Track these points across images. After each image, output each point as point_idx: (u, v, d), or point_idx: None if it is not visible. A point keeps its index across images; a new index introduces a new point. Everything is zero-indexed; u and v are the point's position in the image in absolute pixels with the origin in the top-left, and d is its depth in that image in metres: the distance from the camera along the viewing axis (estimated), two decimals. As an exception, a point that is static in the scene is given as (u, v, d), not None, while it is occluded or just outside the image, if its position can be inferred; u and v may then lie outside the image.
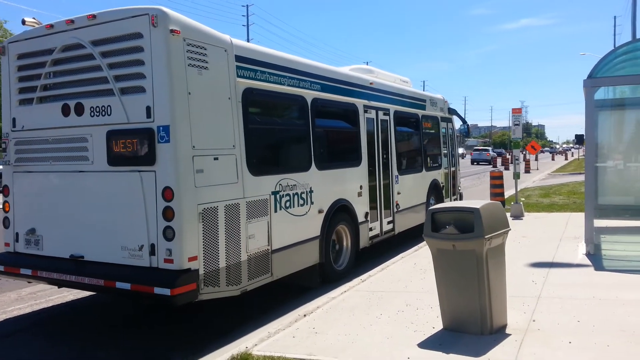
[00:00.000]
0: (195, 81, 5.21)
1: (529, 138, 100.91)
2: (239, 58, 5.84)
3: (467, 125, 14.72)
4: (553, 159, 64.84)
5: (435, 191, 11.35)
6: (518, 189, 13.70)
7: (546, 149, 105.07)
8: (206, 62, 5.37)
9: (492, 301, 4.70)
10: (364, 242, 8.28)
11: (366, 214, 8.38)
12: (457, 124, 13.54)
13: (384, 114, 9.24)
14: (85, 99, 5.49)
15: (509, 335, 4.71)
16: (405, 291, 6.42)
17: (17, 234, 6.09)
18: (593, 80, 7.83)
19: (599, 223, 8.78)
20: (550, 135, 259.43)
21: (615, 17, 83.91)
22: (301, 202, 6.78)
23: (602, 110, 9.81)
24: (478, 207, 4.61)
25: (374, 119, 8.84)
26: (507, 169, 33.18)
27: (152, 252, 5.08)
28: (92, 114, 5.42)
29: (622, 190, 10.13)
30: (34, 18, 6.10)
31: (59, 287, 6.70)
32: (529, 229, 10.60)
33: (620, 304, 5.46)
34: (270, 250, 6.13)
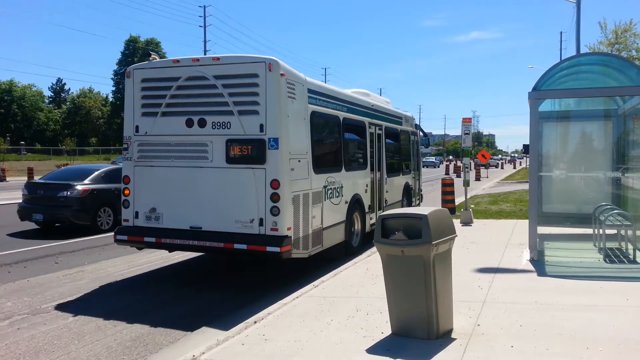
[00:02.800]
0: (290, 107, 7.34)
1: (479, 147, 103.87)
2: (308, 90, 8.04)
3: (428, 138, 17.13)
4: (502, 168, 67.05)
5: (407, 192, 13.56)
6: (468, 196, 14.09)
7: (506, 157, 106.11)
8: (295, 94, 7.51)
9: (438, 306, 4.80)
10: (368, 227, 10.34)
11: (369, 206, 10.55)
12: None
13: (379, 129, 11.44)
14: (207, 115, 7.38)
15: (455, 339, 4.82)
16: (357, 296, 6.46)
17: (136, 212, 7.79)
18: (537, 93, 8.15)
19: (542, 230, 9.12)
20: (500, 144, 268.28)
21: (561, 32, 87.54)
22: (337, 194, 8.93)
23: (548, 122, 10.24)
24: (426, 213, 4.70)
25: (373, 132, 11.05)
26: (458, 176, 34.06)
27: (261, 223, 7.11)
28: (214, 127, 7.35)
29: (565, 199, 10.58)
30: (151, 53, 8.09)
31: (170, 252, 8.64)
32: (478, 235, 10.90)
33: (560, 309, 5.68)
34: (322, 228, 8.24)
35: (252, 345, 4.91)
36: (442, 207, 13.90)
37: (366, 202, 10.31)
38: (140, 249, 8.49)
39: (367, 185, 10.44)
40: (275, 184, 7.06)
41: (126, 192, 7.89)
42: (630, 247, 8.48)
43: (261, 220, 7.13)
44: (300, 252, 7.50)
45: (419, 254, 4.69)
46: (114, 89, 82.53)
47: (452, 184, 15.53)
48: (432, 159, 71.08)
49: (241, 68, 7.26)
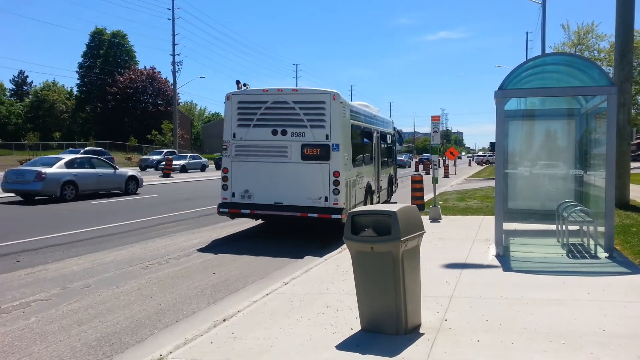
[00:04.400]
0: (343, 123, 10.77)
1: (448, 144, 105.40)
2: (350, 110, 11.57)
3: (402, 138, 21.55)
4: (470, 165, 68.24)
5: (390, 180, 17.36)
6: (437, 193, 14.27)
7: (478, 154, 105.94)
8: (345, 113, 10.95)
9: (407, 302, 4.85)
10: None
11: (373, 190, 14.02)
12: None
13: (377, 133, 14.98)
14: (288, 127, 10.67)
15: (423, 334, 4.88)
16: (327, 293, 6.48)
17: (233, 193, 11.08)
18: (503, 92, 8.30)
19: (508, 226, 9.32)
20: (468, 142, 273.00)
21: (527, 33, 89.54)
22: (361, 182, 12.41)
23: (514, 120, 10.43)
24: (395, 210, 4.73)
25: (375, 136, 14.71)
26: (428, 173, 34.49)
27: (326, 200, 10.48)
28: (292, 135, 10.64)
29: (529, 196, 10.82)
30: (240, 82, 11.41)
31: (255, 220, 12.48)
32: (445, 231, 11.06)
33: (524, 303, 5.82)
34: (355, 204, 11.63)
35: (221, 343, 4.86)
36: (411, 203, 14.08)
37: (372, 187, 13.88)
38: (233, 218, 12.02)
39: (372, 175, 13.99)
40: (336, 174, 10.47)
41: (225, 179, 11.16)
42: (592, 242, 8.74)
43: (326, 197, 10.53)
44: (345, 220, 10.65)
45: (388, 250, 4.72)
46: (78, 82, 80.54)
47: (421, 181, 15.72)
48: (430, 156, 70.35)
49: (313, 97, 10.63)
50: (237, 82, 11.39)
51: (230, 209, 11.05)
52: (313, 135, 10.50)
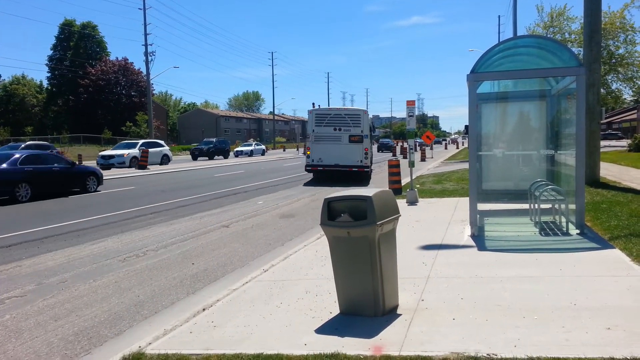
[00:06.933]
0: (368, 123, 21.81)
1: (424, 128, 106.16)
2: (369, 116, 22.89)
3: (375, 126, 32.86)
4: (446, 148, 68.93)
5: (372, 156, 24.18)
6: (414, 177, 14.40)
7: (450, 137, 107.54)
8: (368, 118, 22.03)
9: (384, 284, 4.92)
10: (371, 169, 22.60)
11: (371, 158, 22.21)
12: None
13: (370, 123, 22.84)
14: (342, 127, 21.18)
15: (400, 315, 4.96)
16: (306, 279, 6.52)
17: (312, 159, 21.32)
18: (474, 75, 8.38)
19: (482, 207, 9.47)
20: (444, 125, 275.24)
21: (499, 16, 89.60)
22: (371, 154, 22.12)
23: (488, 103, 10.55)
24: (370, 195, 4.77)
25: (371, 126, 23.09)
26: (405, 157, 34.72)
27: (361, 162, 20.88)
28: (344, 130, 21.15)
29: (503, 176, 11.00)
30: (314, 104, 26.18)
31: (317, 176, 21.97)
32: (422, 213, 11.20)
33: (498, 281, 5.95)
34: (370, 164, 22.08)
35: (201, 332, 4.87)
36: (389, 187, 14.20)
37: (371, 156, 22.10)
38: (310, 172, 21.73)
39: (372, 150, 22.27)
40: (366, 149, 20.67)
41: (308, 152, 21.17)
42: (563, 220, 8.94)
43: (361, 161, 20.52)
44: (370, 173, 21.63)
45: (364, 234, 4.77)
46: (49, 75, 78.54)
47: (398, 165, 15.83)
48: (390, 141, 68.61)
49: (355, 111, 21.53)
50: (313, 104, 21.71)
51: (312, 167, 21.12)
52: (354, 130, 20.63)
